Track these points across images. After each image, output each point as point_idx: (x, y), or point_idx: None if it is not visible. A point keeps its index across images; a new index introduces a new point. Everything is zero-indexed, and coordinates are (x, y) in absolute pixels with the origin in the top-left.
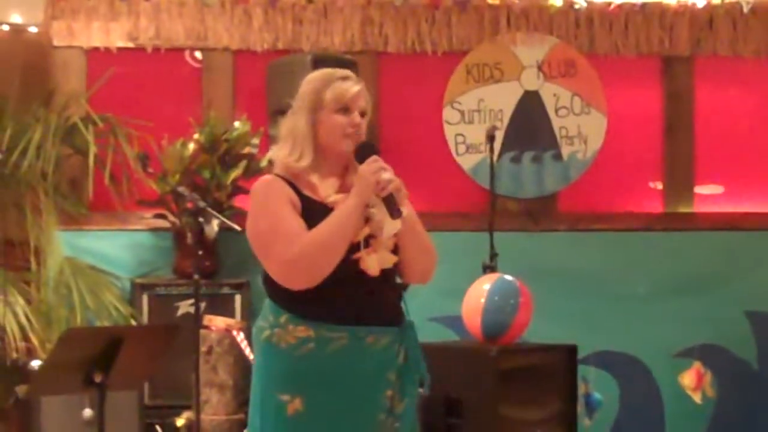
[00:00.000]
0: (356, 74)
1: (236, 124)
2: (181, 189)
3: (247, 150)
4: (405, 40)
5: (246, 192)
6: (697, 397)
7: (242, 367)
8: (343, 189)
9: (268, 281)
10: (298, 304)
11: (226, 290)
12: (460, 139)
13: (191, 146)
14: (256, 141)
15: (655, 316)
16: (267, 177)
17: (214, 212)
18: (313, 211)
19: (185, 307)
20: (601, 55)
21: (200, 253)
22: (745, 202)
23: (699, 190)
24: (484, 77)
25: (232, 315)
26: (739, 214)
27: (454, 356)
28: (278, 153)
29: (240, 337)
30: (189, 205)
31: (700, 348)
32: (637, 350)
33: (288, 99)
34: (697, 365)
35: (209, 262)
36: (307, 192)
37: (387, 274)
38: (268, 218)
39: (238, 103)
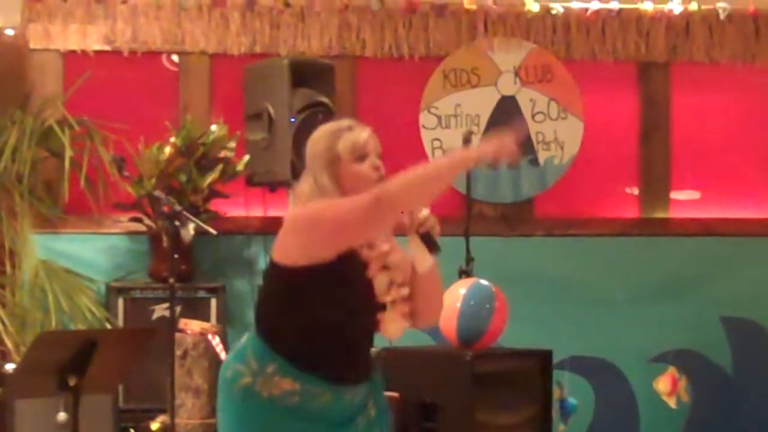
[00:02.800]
0: (333, 78)
1: (213, 127)
2: (157, 193)
3: (223, 154)
4: (382, 44)
5: (222, 196)
6: (671, 402)
7: (217, 371)
8: (368, 245)
9: (268, 319)
10: (293, 353)
11: (201, 294)
12: (436, 143)
13: (167, 150)
14: (232, 145)
15: (630, 321)
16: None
17: (190, 216)
18: (353, 263)
19: (160, 310)
20: (578, 60)
21: (176, 256)
22: (721, 207)
23: (675, 195)
24: (461, 82)
25: (207, 319)
26: (715, 220)
27: (429, 361)
28: None
29: (215, 341)
30: (165, 208)
31: (675, 353)
32: (612, 355)
33: (265, 103)
34: (671, 370)
35: (185, 266)
36: None
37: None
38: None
39: (215, 107)
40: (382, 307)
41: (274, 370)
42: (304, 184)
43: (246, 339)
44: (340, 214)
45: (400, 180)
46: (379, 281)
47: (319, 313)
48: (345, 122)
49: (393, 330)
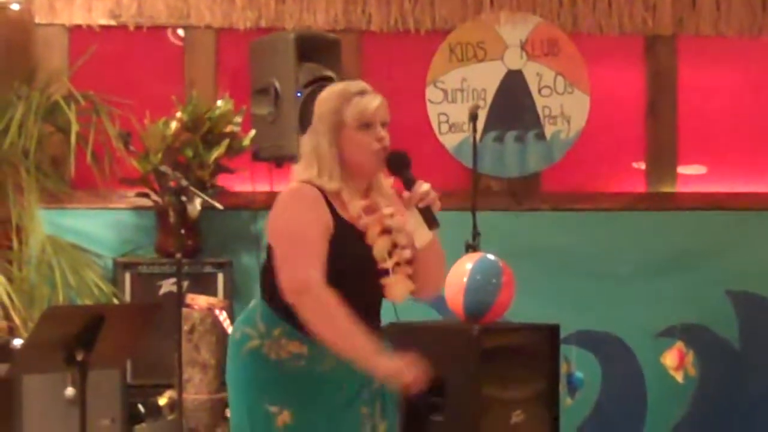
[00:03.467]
0: (339, 53)
1: (219, 102)
2: (164, 168)
3: (229, 128)
4: (388, 18)
5: (228, 171)
6: (679, 377)
7: (224, 346)
8: (369, 210)
9: (272, 284)
10: (298, 318)
11: (208, 269)
12: (443, 118)
13: (173, 125)
14: (238, 119)
15: (637, 295)
16: (306, 187)
17: (197, 191)
18: (347, 236)
19: (167, 286)
20: (585, 34)
21: (182, 232)
22: (728, 182)
23: (682, 170)
24: (468, 56)
25: (214, 294)
26: (722, 194)
27: (436, 335)
28: (306, 173)
29: (222, 316)
30: (171, 183)
31: (682, 327)
32: (619, 330)
33: (271, 77)
34: (679, 345)
35: (192, 241)
36: (340, 211)
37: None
38: (300, 226)
39: (221, 82)
40: (386, 272)
41: (281, 333)
42: (307, 144)
43: (254, 303)
44: (293, 281)
45: (332, 312)
46: (379, 247)
47: (334, 283)
48: (357, 85)
49: (398, 293)
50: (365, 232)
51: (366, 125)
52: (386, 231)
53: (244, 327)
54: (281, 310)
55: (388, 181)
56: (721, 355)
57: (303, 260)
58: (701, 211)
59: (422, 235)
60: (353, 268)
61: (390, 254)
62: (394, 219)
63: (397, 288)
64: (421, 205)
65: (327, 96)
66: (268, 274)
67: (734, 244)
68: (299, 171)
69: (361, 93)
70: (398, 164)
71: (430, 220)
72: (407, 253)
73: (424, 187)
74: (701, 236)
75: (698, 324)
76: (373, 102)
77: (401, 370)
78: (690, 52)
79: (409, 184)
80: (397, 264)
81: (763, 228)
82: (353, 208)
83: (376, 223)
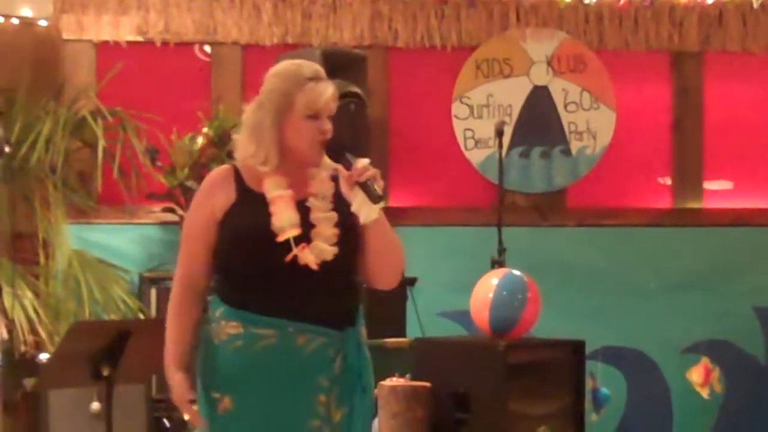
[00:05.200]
0: (365, 69)
1: None
2: (190, 183)
3: None
4: (414, 34)
5: None
6: (704, 393)
7: None
8: (292, 186)
9: (215, 273)
10: (232, 293)
11: None
12: (469, 134)
13: (200, 140)
14: None
15: (663, 311)
16: (216, 170)
17: None
18: (249, 203)
19: None
20: (611, 50)
21: None
22: (754, 197)
23: (708, 185)
24: (494, 72)
25: None
26: (748, 210)
27: (462, 351)
28: (244, 150)
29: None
30: None
31: (708, 343)
32: (644, 346)
33: None
34: (704, 361)
35: None
36: (250, 184)
37: (331, 273)
38: (187, 223)
39: (247, 97)
40: (303, 240)
41: (221, 315)
42: (250, 116)
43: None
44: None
45: (170, 309)
46: (279, 217)
47: (234, 259)
48: (311, 68)
49: (309, 259)
50: (272, 203)
51: (314, 116)
52: (300, 206)
53: (205, 315)
54: (222, 292)
55: (328, 182)
56: (748, 371)
57: (179, 264)
58: (727, 227)
59: (368, 212)
60: (251, 235)
61: (304, 225)
62: (314, 187)
63: (306, 255)
64: (362, 179)
65: (279, 73)
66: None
67: (761, 259)
68: (239, 143)
69: (315, 79)
70: (336, 150)
71: (372, 195)
72: (331, 216)
73: (362, 162)
74: (727, 252)
75: (724, 340)
76: (326, 93)
77: (179, 393)
78: (716, 68)
79: (348, 166)
80: (316, 229)
81: None
82: (270, 184)
83: (285, 196)
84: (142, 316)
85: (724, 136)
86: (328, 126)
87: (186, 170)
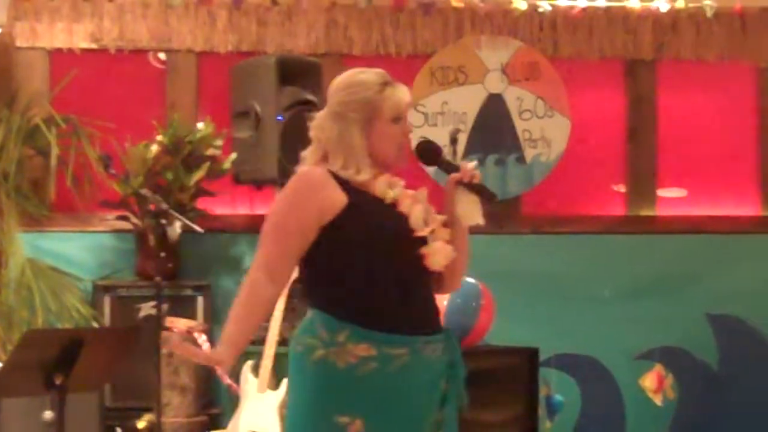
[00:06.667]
0: (320, 76)
1: (199, 125)
2: (144, 191)
3: (210, 152)
4: (369, 42)
5: (209, 194)
6: (658, 400)
7: (204, 369)
8: (392, 185)
9: (324, 290)
10: (358, 311)
11: (188, 292)
12: None
13: (154, 148)
14: (219, 143)
15: (616, 318)
16: (312, 170)
17: (177, 214)
18: (370, 206)
19: (147, 309)
20: (565, 58)
21: (162, 254)
22: (708, 205)
23: (662, 193)
24: (449, 80)
25: (194, 317)
26: (702, 217)
27: None
28: (330, 166)
29: (202, 338)
30: (151, 206)
31: (662, 350)
32: (598, 353)
33: (252, 101)
34: (658, 367)
35: (171, 264)
36: (355, 185)
37: (432, 277)
38: (281, 219)
39: (202, 105)
40: (423, 242)
41: (346, 338)
42: (330, 130)
43: (311, 313)
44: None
45: (241, 295)
46: (416, 214)
47: (362, 264)
48: (379, 74)
49: (438, 259)
50: (396, 202)
51: (398, 118)
52: (417, 200)
53: (306, 337)
54: (342, 313)
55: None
56: (700, 378)
57: (261, 255)
58: (681, 235)
59: (475, 216)
60: (383, 236)
61: (426, 222)
62: (418, 191)
63: (437, 255)
64: (475, 181)
65: (353, 84)
66: (314, 281)
67: (714, 267)
68: (314, 158)
69: (389, 83)
70: (432, 154)
71: (488, 194)
72: (441, 217)
73: (471, 163)
74: (681, 259)
75: (678, 347)
76: (406, 95)
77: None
78: (670, 76)
79: (450, 168)
80: (433, 231)
81: (742, 251)
82: (379, 184)
83: (405, 195)
84: (95, 325)
85: (678, 143)
86: (411, 127)
87: (140, 178)
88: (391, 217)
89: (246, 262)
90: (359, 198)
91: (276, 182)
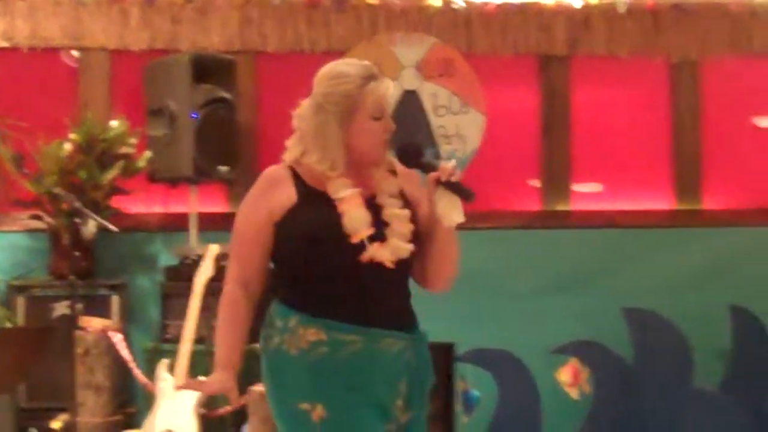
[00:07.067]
0: (234, 74)
1: (113, 124)
2: (57, 190)
3: (124, 150)
4: (284, 39)
5: (123, 192)
6: (573, 393)
7: (119, 368)
8: (356, 186)
9: (278, 280)
10: (307, 301)
11: (102, 291)
12: None
13: (67, 146)
14: (133, 141)
15: (532, 313)
16: (271, 169)
17: (91, 213)
18: (313, 203)
19: (61, 308)
20: (480, 54)
21: (77, 254)
22: (622, 199)
23: (577, 188)
24: None
25: (108, 316)
26: (616, 212)
27: None
28: (307, 159)
29: (117, 338)
30: (65, 205)
31: (577, 344)
32: (514, 347)
33: (166, 99)
34: (573, 361)
35: (86, 263)
36: (311, 183)
37: (399, 273)
38: (240, 225)
39: (116, 103)
40: (377, 239)
41: (296, 322)
42: (310, 121)
43: (271, 306)
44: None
45: (221, 309)
46: (351, 215)
47: (303, 262)
48: (366, 67)
49: (383, 256)
50: (338, 202)
51: (379, 115)
52: (369, 204)
53: (265, 329)
54: (293, 299)
55: (392, 179)
56: (616, 371)
57: (231, 265)
58: (596, 229)
59: (455, 216)
60: (320, 235)
61: (370, 223)
62: (384, 184)
63: (382, 254)
64: (453, 179)
65: (337, 75)
66: (275, 275)
67: (629, 261)
68: (295, 149)
69: (374, 77)
70: (413, 154)
71: (466, 193)
72: (403, 213)
73: (450, 162)
74: (596, 254)
75: (593, 341)
76: (389, 90)
77: (226, 388)
78: (583, 72)
79: (429, 168)
80: (386, 225)
81: (657, 245)
82: (334, 186)
83: (355, 196)
84: (9, 325)
85: (592, 138)
86: (392, 124)
87: (53, 177)
88: (328, 219)
89: (161, 261)
90: (309, 198)
91: (191, 180)
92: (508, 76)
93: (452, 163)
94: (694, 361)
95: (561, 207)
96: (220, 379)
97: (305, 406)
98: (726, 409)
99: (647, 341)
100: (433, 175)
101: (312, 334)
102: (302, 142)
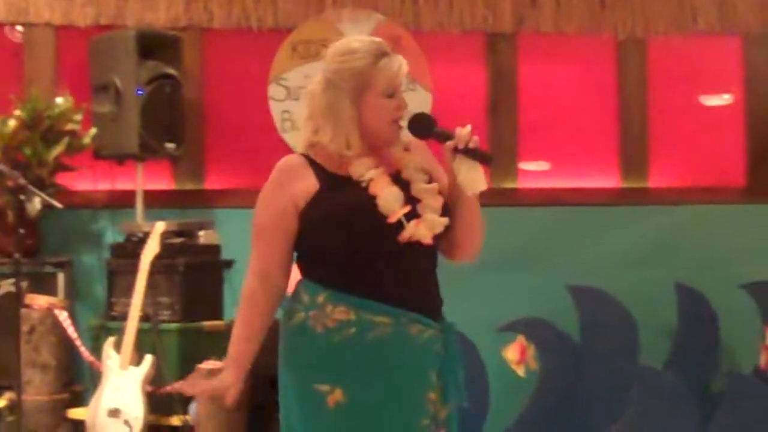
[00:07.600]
0: (180, 50)
1: (58, 100)
2: (1, 166)
3: (69, 126)
4: (230, 16)
5: (69, 169)
6: (520, 371)
7: (65, 346)
8: (378, 164)
9: (302, 257)
10: (335, 277)
11: (48, 269)
12: (286, 116)
13: (12, 123)
14: (78, 117)
15: (478, 290)
16: (286, 158)
17: (36, 190)
18: (338, 187)
19: (6, 286)
20: (427, 31)
21: (21, 231)
22: (569, 177)
23: (523, 166)
24: (311, 54)
25: (54, 294)
26: (563, 190)
27: (278, 333)
28: (316, 137)
29: (63, 316)
30: (9, 182)
31: (524, 322)
32: (460, 325)
33: (112, 75)
34: (520, 339)
35: (31, 241)
36: (331, 169)
37: (434, 252)
38: (259, 218)
39: (61, 79)
40: (412, 216)
41: (325, 299)
42: (320, 99)
43: (298, 284)
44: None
45: (242, 301)
46: (385, 196)
47: (335, 247)
48: (378, 43)
49: (421, 233)
50: (369, 185)
51: (391, 92)
52: (396, 181)
53: (290, 303)
54: (323, 279)
55: (413, 155)
56: (562, 348)
57: (251, 258)
58: (543, 207)
59: (478, 183)
60: (353, 218)
61: (402, 202)
62: (407, 159)
63: (420, 230)
64: (471, 145)
65: (349, 51)
66: (301, 258)
67: (575, 238)
68: (306, 131)
69: (386, 54)
70: (426, 125)
71: (484, 156)
72: (433, 187)
73: (466, 128)
74: (543, 231)
75: (539, 318)
76: (403, 67)
77: (225, 387)
78: (530, 49)
79: (444, 137)
80: (421, 203)
81: (603, 223)
82: (357, 167)
83: (382, 175)
84: None
85: (539, 117)
86: (405, 102)
87: None
88: (358, 202)
89: (107, 238)
90: (332, 183)
91: (137, 157)
92: (455, 53)
93: (468, 128)
94: (639, 339)
95: (508, 185)
96: (224, 376)
97: (323, 387)
98: (671, 386)
99: (593, 319)
100: (449, 143)
101: (341, 312)
102: (313, 120)
